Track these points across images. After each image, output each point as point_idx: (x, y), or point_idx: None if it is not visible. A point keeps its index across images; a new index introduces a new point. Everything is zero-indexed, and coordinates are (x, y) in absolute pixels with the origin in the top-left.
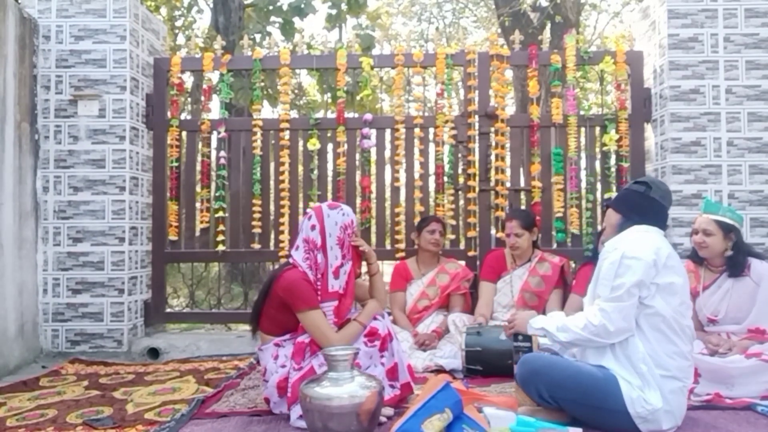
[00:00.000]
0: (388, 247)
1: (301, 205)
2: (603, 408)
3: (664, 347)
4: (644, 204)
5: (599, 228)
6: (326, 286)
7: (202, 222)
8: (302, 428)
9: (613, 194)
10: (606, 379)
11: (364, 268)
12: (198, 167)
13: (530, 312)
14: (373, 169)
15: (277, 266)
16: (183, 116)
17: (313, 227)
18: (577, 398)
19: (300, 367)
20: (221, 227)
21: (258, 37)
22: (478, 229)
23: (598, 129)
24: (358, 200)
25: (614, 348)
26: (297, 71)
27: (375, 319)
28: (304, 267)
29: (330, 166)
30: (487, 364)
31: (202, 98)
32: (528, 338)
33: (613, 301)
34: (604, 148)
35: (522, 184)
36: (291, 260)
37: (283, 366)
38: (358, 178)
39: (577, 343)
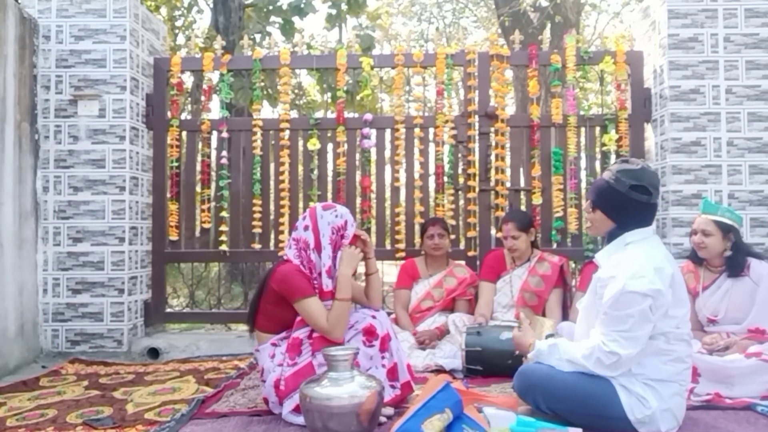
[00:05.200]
0: (388, 247)
1: (301, 205)
2: (603, 416)
3: (660, 357)
4: (637, 209)
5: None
6: (321, 285)
7: (202, 222)
8: (294, 423)
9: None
10: (603, 388)
11: (360, 269)
12: (198, 167)
13: (530, 334)
14: (373, 169)
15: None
16: (183, 116)
17: (306, 227)
18: (576, 409)
19: (294, 363)
20: (223, 227)
21: (258, 37)
22: (478, 229)
23: (598, 129)
24: (358, 200)
25: None
26: (297, 71)
27: (373, 318)
28: (297, 262)
29: (330, 166)
30: (487, 364)
31: (203, 98)
32: None
33: (622, 331)
34: (604, 148)
35: (522, 184)
36: (285, 257)
37: (280, 365)
38: (358, 178)
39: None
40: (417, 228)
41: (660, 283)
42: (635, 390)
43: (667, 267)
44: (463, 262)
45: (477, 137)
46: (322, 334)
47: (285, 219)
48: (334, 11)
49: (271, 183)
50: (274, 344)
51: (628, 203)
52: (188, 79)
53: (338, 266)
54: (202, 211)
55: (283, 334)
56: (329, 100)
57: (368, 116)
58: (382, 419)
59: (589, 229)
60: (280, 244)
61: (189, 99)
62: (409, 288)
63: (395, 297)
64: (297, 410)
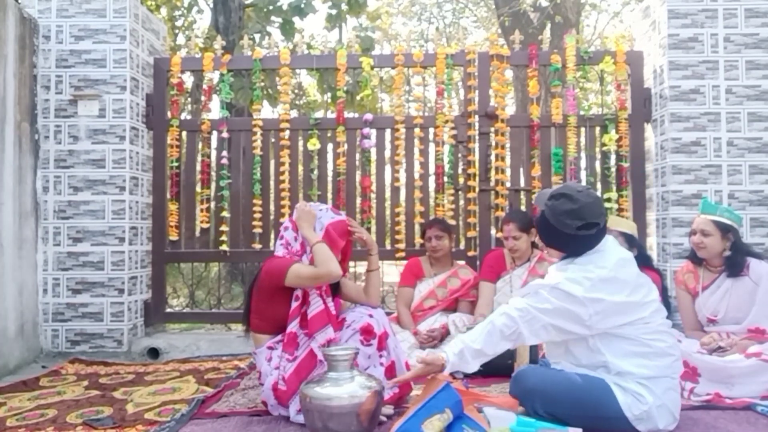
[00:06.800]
0: (388, 247)
1: None
2: (601, 416)
3: (644, 355)
4: (588, 239)
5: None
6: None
7: (202, 222)
8: (302, 423)
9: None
10: (599, 389)
11: (360, 268)
12: (198, 167)
13: (435, 356)
14: (373, 169)
15: None
16: (183, 116)
17: (285, 228)
18: (574, 411)
19: (294, 357)
20: (223, 227)
21: (258, 37)
22: (478, 229)
23: (598, 129)
24: (358, 200)
25: (600, 363)
26: (297, 71)
27: (369, 317)
28: (290, 237)
29: (330, 166)
30: (487, 364)
31: (203, 98)
32: None
33: (533, 304)
34: (604, 148)
35: (522, 184)
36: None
37: (277, 368)
38: (358, 178)
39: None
40: (417, 228)
41: (599, 292)
42: (630, 387)
43: (616, 275)
44: (463, 262)
45: (477, 137)
46: (323, 281)
47: (285, 219)
48: (334, 11)
49: (271, 183)
50: (270, 347)
51: (579, 239)
52: (188, 79)
53: (367, 290)
54: (202, 211)
55: (279, 337)
56: (329, 100)
57: (368, 116)
58: (382, 419)
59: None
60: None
61: (189, 99)
62: (413, 286)
63: (398, 295)
64: None
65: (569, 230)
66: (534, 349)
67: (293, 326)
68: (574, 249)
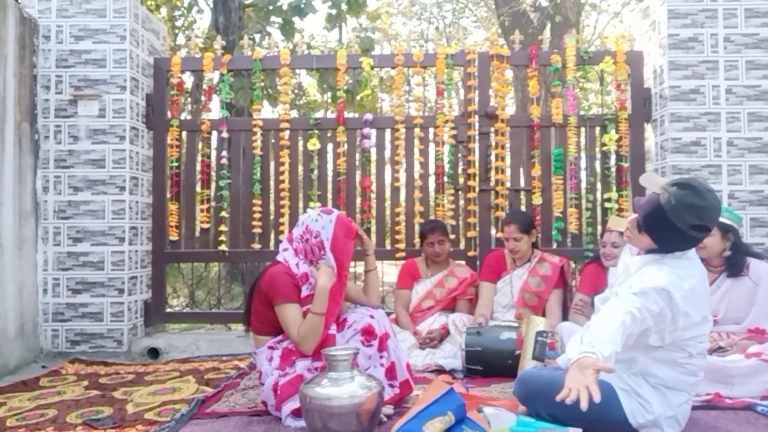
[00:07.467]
0: (388, 247)
1: (301, 205)
2: (603, 420)
3: (676, 368)
4: (690, 241)
5: (600, 229)
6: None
7: (202, 222)
8: (292, 426)
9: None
10: (604, 392)
11: (359, 268)
12: (198, 167)
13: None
14: (373, 169)
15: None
16: (183, 116)
17: (285, 249)
18: (576, 415)
19: (285, 373)
20: (223, 227)
21: (258, 37)
22: (478, 229)
23: (598, 129)
24: (358, 200)
25: (627, 358)
26: (297, 71)
27: (371, 317)
28: (292, 263)
29: (330, 166)
30: (487, 364)
31: (203, 98)
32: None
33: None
34: (604, 148)
35: (522, 184)
36: (284, 259)
37: (278, 368)
38: (358, 178)
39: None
40: (417, 228)
41: (688, 305)
42: (639, 393)
43: (702, 288)
44: (463, 262)
45: (477, 137)
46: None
47: (285, 219)
48: (334, 11)
49: (271, 183)
50: (270, 347)
51: (684, 239)
52: (188, 79)
53: (317, 279)
54: (202, 211)
55: (280, 337)
56: (329, 100)
57: (368, 116)
58: (383, 418)
59: (626, 237)
60: (281, 244)
61: (189, 99)
62: (410, 288)
63: (396, 296)
64: (295, 414)
65: (681, 225)
66: (538, 346)
67: (290, 342)
68: (668, 245)
